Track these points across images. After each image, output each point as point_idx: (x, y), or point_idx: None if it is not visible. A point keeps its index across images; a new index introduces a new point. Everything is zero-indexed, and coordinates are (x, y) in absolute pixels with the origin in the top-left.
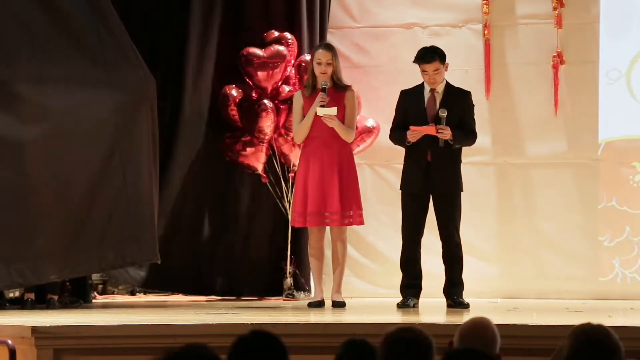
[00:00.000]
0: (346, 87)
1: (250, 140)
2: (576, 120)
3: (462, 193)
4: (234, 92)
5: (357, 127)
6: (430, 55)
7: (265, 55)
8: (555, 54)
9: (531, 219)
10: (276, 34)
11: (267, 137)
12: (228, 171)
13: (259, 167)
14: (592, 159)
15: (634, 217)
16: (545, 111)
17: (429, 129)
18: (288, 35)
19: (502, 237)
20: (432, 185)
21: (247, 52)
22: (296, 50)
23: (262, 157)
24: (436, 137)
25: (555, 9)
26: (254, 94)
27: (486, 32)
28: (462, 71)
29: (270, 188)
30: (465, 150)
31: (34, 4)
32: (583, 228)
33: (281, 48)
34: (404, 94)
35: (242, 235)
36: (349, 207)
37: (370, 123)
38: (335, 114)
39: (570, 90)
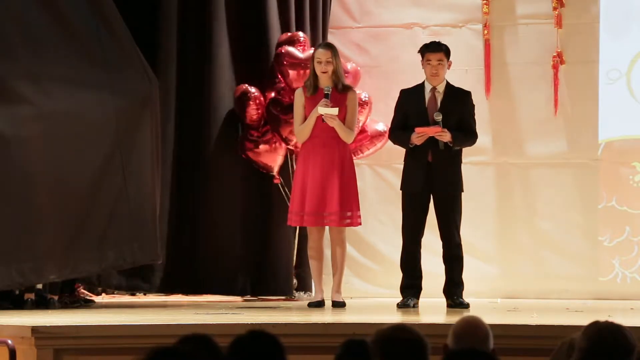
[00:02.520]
0: (348, 88)
1: (270, 140)
2: (576, 120)
3: (462, 193)
4: (255, 92)
5: (367, 131)
6: (436, 44)
7: (302, 56)
8: (555, 54)
9: (531, 219)
10: (288, 34)
11: (293, 142)
12: (239, 170)
13: (275, 168)
14: (592, 159)
15: (634, 217)
16: (545, 111)
17: (435, 130)
18: (301, 34)
19: (502, 237)
20: (433, 186)
21: (284, 50)
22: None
23: (280, 158)
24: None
25: (555, 9)
26: (283, 96)
27: (486, 32)
28: (462, 71)
29: (281, 188)
30: (465, 150)
31: (34, 5)
32: (583, 228)
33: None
34: (404, 94)
35: (250, 235)
36: (348, 208)
37: (381, 127)
38: (337, 113)
39: (570, 90)
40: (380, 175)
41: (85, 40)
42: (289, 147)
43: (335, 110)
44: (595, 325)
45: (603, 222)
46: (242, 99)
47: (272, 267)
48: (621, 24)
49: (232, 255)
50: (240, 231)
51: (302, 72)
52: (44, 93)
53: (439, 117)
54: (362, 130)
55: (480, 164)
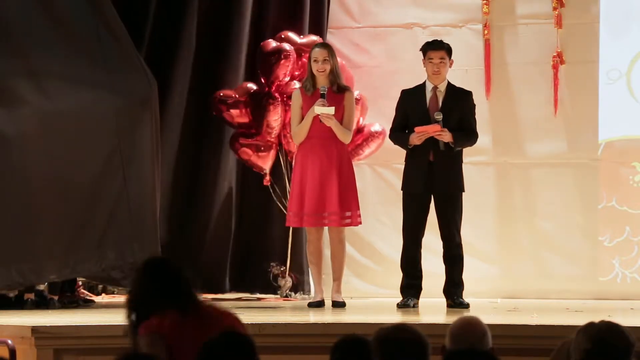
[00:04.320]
0: (345, 88)
1: (260, 139)
2: (576, 120)
3: (463, 193)
4: (234, 93)
5: (363, 132)
6: (438, 43)
7: (269, 50)
8: (555, 54)
9: (531, 219)
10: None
11: (275, 132)
12: (232, 168)
13: (267, 168)
14: (592, 159)
15: (634, 217)
16: (545, 111)
17: (434, 129)
18: (314, 37)
19: (502, 237)
20: (434, 186)
21: (262, 45)
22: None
23: (271, 158)
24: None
25: (555, 9)
26: (262, 90)
27: (486, 32)
28: (462, 71)
29: (271, 189)
30: (465, 150)
31: (33, 5)
32: (583, 228)
33: (286, 45)
34: (405, 94)
35: (243, 234)
36: (348, 208)
37: (375, 128)
38: (333, 113)
39: (570, 90)
40: (380, 175)
41: (85, 40)
42: (271, 139)
43: (331, 110)
44: (594, 325)
45: (603, 222)
46: (223, 100)
47: (262, 265)
48: (621, 24)
49: (220, 253)
50: (231, 229)
51: (273, 65)
52: (44, 93)
53: (439, 117)
54: (359, 130)
55: (480, 164)
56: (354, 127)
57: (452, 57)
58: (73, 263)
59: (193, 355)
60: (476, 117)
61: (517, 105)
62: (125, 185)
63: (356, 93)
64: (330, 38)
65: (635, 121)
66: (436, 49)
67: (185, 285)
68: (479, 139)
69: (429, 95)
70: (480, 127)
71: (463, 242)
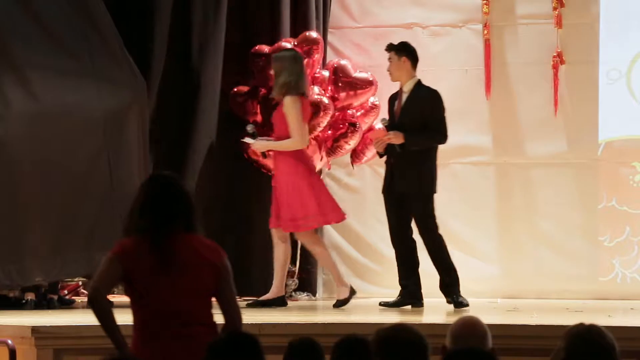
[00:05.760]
0: (283, 95)
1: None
2: (576, 120)
3: (426, 194)
4: (246, 91)
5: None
6: (388, 44)
7: (268, 51)
8: (555, 54)
9: (531, 219)
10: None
11: None
12: (239, 170)
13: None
14: (592, 159)
15: (634, 217)
16: (545, 111)
17: (382, 133)
18: (314, 34)
19: (502, 237)
20: (396, 186)
21: (255, 50)
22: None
23: None
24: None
25: (555, 9)
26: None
27: (486, 32)
28: (462, 71)
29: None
30: (465, 150)
31: (17, 7)
32: (583, 228)
33: (285, 44)
34: (390, 97)
35: (248, 234)
36: (279, 213)
37: (378, 127)
38: (252, 142)
39: (570, 90)
40: (380, 175)
41: (72, 39)
42: None
43: (250, 140)
44: (574, 328)
45: (603, 222)
46: (237, 100)
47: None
48: (621, 24)
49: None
50: (235, 229)
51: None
52: (32, 93)
53: (384, 122)
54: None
55: (480, 164)
56: (301, 129)
57: (452, 58)
58: (60, 264)
59: (149, 288)
60: (469, 117)
61: (517, 105)
62: (112, 185)
63: (373, 99)
64: (331, 38)
65: (635, 121)
66: (386, 51)
67: (169, 216)
68: (479, 139)
69: (400, 97)
70: (480, 127)
71: (463, 242)
